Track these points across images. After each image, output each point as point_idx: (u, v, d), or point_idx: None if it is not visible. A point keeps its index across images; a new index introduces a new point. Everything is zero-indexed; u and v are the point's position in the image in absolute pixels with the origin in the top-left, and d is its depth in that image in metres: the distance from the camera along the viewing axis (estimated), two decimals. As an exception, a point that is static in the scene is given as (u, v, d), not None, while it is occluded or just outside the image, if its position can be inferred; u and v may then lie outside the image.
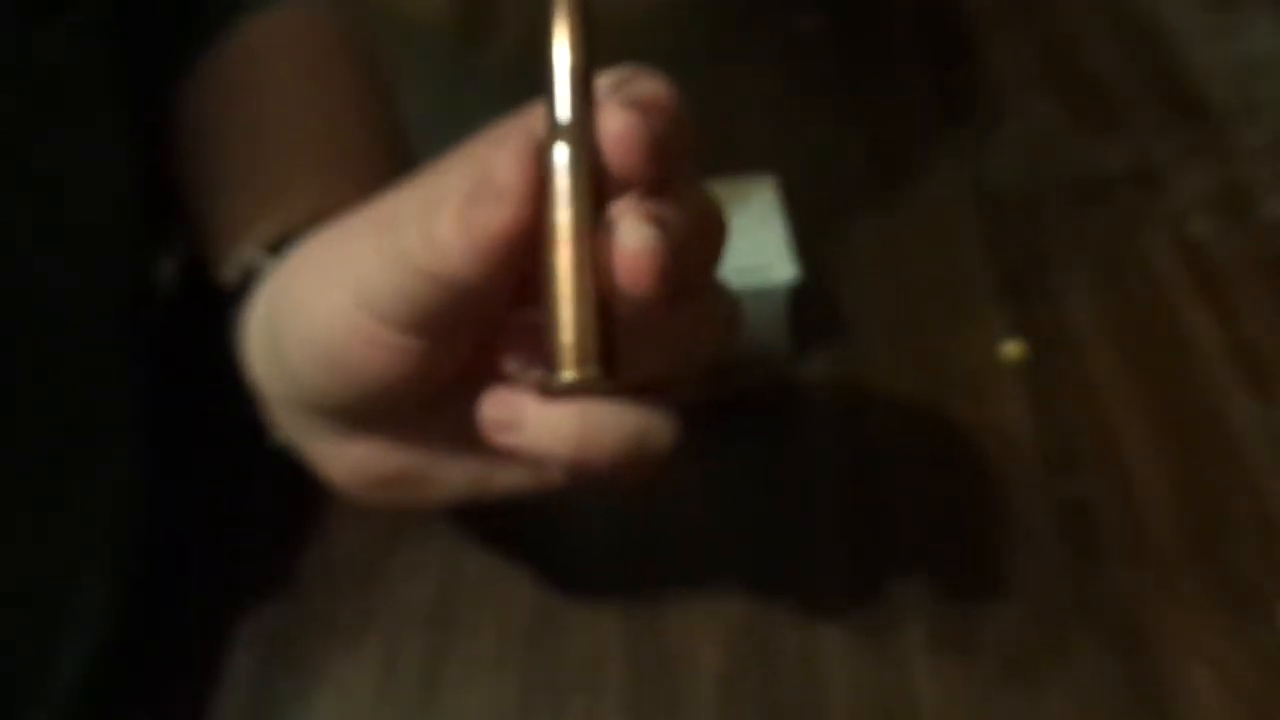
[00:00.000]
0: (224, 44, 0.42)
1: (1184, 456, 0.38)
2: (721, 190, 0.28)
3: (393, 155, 0.41)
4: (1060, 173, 0.49)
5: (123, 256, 0.38)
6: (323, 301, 0.29)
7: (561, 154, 0.25)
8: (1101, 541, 0.36)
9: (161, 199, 0.41)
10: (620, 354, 0.25)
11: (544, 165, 0.25)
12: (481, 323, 0.28)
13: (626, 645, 0.35)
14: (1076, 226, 0.47)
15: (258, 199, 0.37)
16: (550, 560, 0.37)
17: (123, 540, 0.36)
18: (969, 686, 0.33)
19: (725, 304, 0.29)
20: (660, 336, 0.27)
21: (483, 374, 0.28)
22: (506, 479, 0.31)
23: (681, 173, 0.26)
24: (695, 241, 0.26)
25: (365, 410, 0.30)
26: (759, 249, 0.40)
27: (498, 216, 0.25)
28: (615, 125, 0.24)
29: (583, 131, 0.25)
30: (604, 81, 0.26)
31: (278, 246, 0.34)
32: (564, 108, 0.25)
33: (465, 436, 0.29)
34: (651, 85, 0.26)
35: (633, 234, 0.24)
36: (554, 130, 0.25)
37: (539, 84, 0.25)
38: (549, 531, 0.39)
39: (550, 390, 0.25)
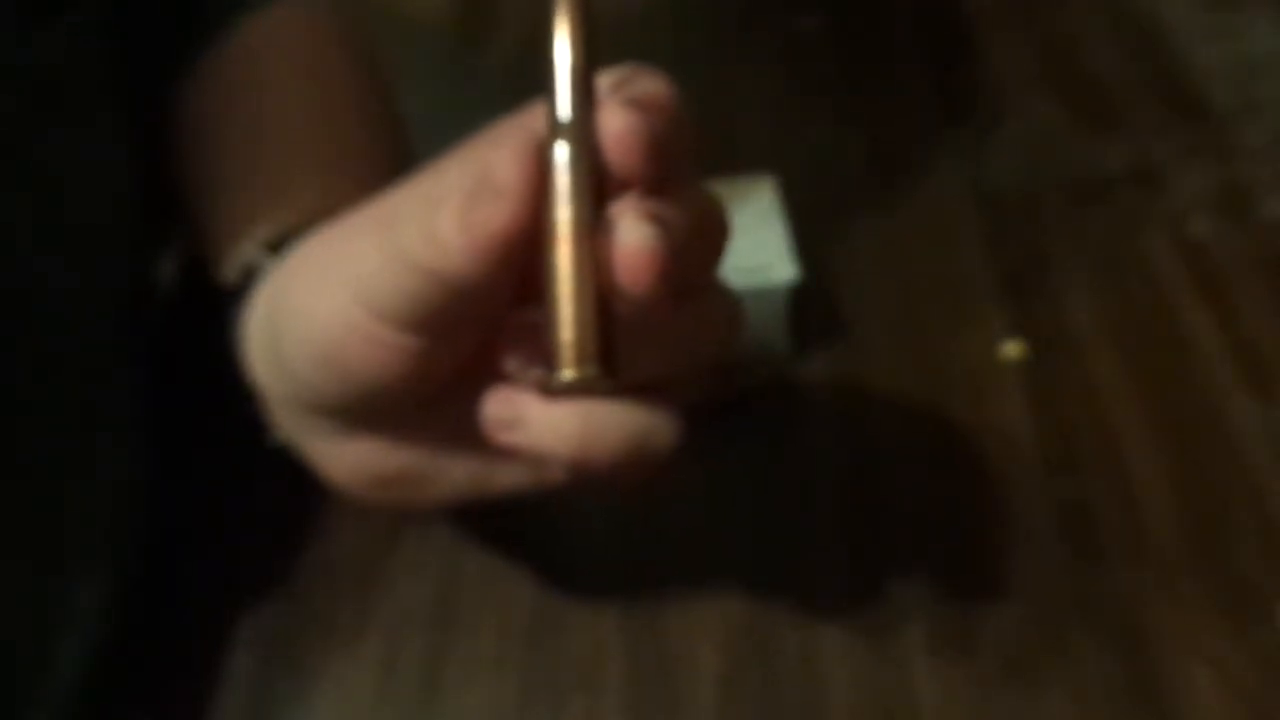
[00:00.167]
0: (224, 44, 0.42)
1: (1184, 456, 0.38)
2: (721, 190, 0.28)
3: (393, 155, 0.41)
4: (1060, 173, 0.49)
5: (123, 256, 0.38)
6: (323, 300, 0.29)
7: (562, 153, 0.25)
8: (1101, 541, 0.36)
9: (161, 199, 0.41)
10: (620, 353, 0.25)
11: (544, 164, 0.25)
12: (481, 321, 0.28)
13: (626, 645, 0.35)
14: (1076, 226, 0.47)
15: (258, 199, 0.37)
16: (550, 560, 0.37)
17: (123, 540, 0.36)
18: (969, 686, 0.33)
19: (726, 304, 0.29)
20: (661, 336, 0.27)
21: (483, 373, 0.28)
22: (507, 478, 0.31)
23: (681, 172, 0.26)
24: (696, 241, 0.26)
25: (365, 409, 0.30)
26: (759, 249, 0.40)
27: (498, 215, 0.25)
28: (615, 124, 0.24)
29: (583, 130, 0.25)
30: (604, 81, 0.26)
31: (278, 246, 0.34)
32: (564, 107, 0.25)
33: (466, 435, 0.29)
34: (651, 85, 0.26)
35: (633, 233, 0.24)
36: (554, 129, 0.25)
37: (539, 83, 0.25)
38: (549, 531, 0.39)
39: (550, 389, 0.25)
